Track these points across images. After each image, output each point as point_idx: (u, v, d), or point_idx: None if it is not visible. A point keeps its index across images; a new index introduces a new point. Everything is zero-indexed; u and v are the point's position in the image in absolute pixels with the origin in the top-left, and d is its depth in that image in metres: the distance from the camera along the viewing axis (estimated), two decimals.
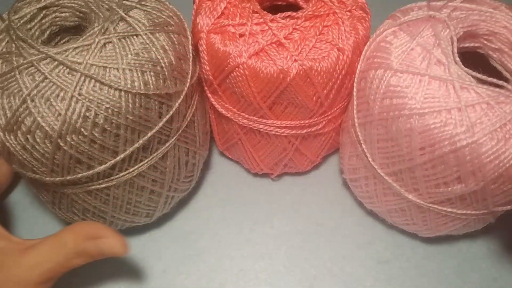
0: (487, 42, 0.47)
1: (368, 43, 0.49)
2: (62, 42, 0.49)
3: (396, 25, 0.47)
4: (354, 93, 0.49)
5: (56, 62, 0.40)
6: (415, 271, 0.54)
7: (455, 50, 0.44)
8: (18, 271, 0.42)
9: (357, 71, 0.49)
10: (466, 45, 0.47)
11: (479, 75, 0.43)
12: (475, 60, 0.48)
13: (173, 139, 0.47)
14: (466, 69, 0.43)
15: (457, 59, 0.43)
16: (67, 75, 0.40)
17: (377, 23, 0.50)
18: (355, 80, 0.49)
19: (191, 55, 0.48)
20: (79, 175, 0.43)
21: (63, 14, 0.46)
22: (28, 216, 0.57)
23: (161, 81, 0.43)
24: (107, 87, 0.40)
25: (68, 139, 0.40)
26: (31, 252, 0.43)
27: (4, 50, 0.43)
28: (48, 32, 0.46)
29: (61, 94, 0.40)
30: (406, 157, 0.44)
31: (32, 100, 0.40)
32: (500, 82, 0.42)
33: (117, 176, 0.45)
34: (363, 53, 0.49)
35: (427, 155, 0.42)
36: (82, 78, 0.40)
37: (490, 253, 0.55)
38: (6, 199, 0.58)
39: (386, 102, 0.44)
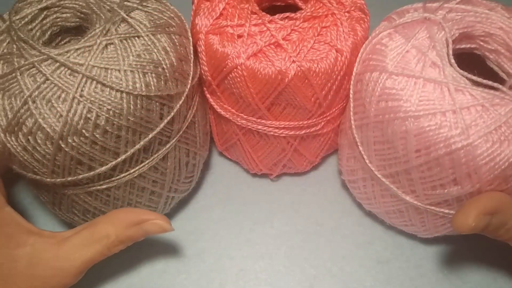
0: (483, 43, 0.47)
1: (364, 45, 0.49)
2: (63, 42, 0.50)
3: (391, 27, 0.47)
4: (351, 95, 0.49)
5: (58, 64, 0.41)
6: (414, 271, 0.54)
7: (450, 52, 0.44)
8: (56, 264, 0.42)
9: (353, 73, 0.49)
10: (463, 46, 0.48)
11: (474, 77, 0.43)
12: (472, 60, 0.48)
13: (174, 140, 0.47)
14: (461, 71, 0.43)
15: (452, 61, 0.43)
16: (69, 77, 0.40)
17: (376, 23, 0.50)
18: (352, 82, 0.49)
19: (192, 56, 0.48)
20: (80, 176, 0.43)
21: (64, 15, 0.47)
22: (28, 217, 0.57)
23: (162, 83, 0.43)
24: (108, 89, 0.41)
25: (70, 140, 0.41)
26: (68, 244, 0.43)
27: (5, 51, 0.43)
28: (49, 32, 0.46)
29: (63, 95, 0.40)
30: (402, 159, 0.44)
31: (34, 102, 0.40)
32: (496, 85, 0.42)
33: (118, 177, 0.45)
34: (359, 55, 0.49)
35: (423, 158, 0.43)
36: (84, 79, 0.40)
37: (489, 253, 0.55)
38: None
39: (381, 105, 0.44)
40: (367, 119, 0.46)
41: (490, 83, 0.42)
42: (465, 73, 0.43)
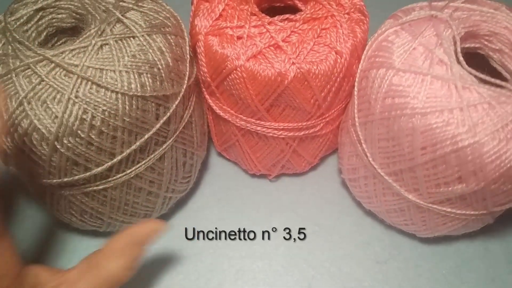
0: (488, 42, 0.46)
1: (369, 43, 0.48)
2: (59, 43, 0.49)
3: (398, 25, 0.47)
4: (355, 93, 0.48)
5: (53, 64, 0.40)
6: (413, 271, 0.53)
7: (458, 50, 0.43)
8: None
9: (358, 71, 0.48)
10: (467, 45, 0.47)
11: (481, 75, 0.42)
12: (476, 60, 0.47)
13: (170, 141, 0.46)
14: (468, 68, 0.42)
15: (461, 58, 0.43)
16: (64, 78, 0.40)
17: (375, 25, 0.49)
18: (356, 79, 0.48)
19: (188, 56, 0.47)
20: (76, 177, 0.42)
21: (59, 16, 0.45)
22: (26, 217, 0.56)
23: (158, 83, 0.42)
24: (103, 89, 0.40)
25: (65, 141, 0.40)
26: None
27: (0, 52, 0.42)
28: (44, 33, 0.45)
29: (58, 96, 0.39)
30: (407, 156, 0.44)
31: (29, 103, 0.39)
32: (504, 84, 0.42)
33: (114, 177, 0.44)
34: (364, 52, 0.48)
35: (429, 155, 0.42)
36: (79, 80, 0.39)
37: (488, 254, 0.54)
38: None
39: (388, 102, 0.43)
40: (372, 116, 0.45)
41: (498, 81, 0.42)
42: (472, 71, 0.42)
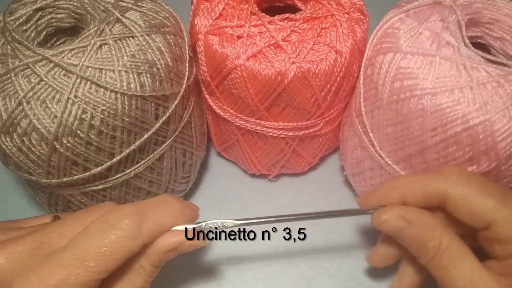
0: (489, 30, 0.46)
1: (374, 32, 0.48)
2: (58, 43, 0.48)
3: (402, 12, 0.47)
4: (360, 82, 0.48)
5: (52, 64, 0.39)
6: None
7: (464, 34, 0.43)
8: None
9: (364, 60, 0.48)
10: (468, 34, 0.47)
11: (488, 56, 0.42)
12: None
13: (169, 141, 0.46)
14: (475, 50, 0.42)
15: (467, 41, 0.43)
16: (63, 77, 0.39)
17: (375, 24, 0.49)
18: (362, 69, 0.48)
19: (187, 56, 0.47)
20: (75, 177, 0.42)
21: (59, 16, 0.45)
22: (25, 217, 0.55)
23: (157, 83, 0.42)
24: (103, 89, 0.39)
25: (64, 141, 0.39)
26: None
27: None
28: (44, 33, 0.45)
29: (57, 96, 0.39)
30: (417, 140, 0.43)
31: (28, 102, 0.39)
32: (510, 63, 0.42)
33: (113, 177, 0.44)
34: (369, 41, 0.48)
35: (439, 136, 0.42)
36: (78, 80, 0.39)
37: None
38: (3, 200, 0.58)
39: (396, 85, 0.43)
40: (380, 101, 0.45)
41: (504, 61, 0.42)
42: (479, 52, 0.42)
